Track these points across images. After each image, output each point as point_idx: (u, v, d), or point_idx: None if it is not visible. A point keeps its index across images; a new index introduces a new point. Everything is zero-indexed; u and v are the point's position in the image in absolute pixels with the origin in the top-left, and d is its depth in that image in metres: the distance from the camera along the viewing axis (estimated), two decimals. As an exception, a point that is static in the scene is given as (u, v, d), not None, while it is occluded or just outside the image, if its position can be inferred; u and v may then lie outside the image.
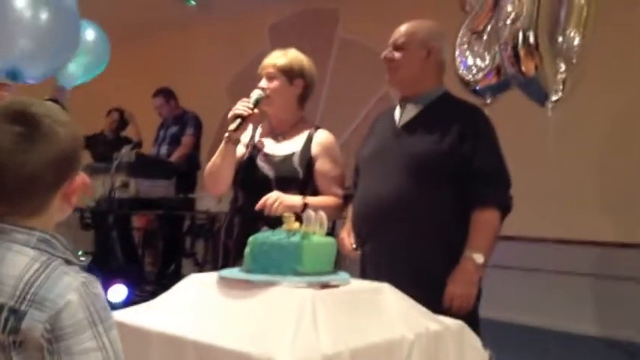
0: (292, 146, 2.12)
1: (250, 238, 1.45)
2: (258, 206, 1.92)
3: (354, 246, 1.99)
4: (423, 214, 1.84)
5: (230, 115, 1.98)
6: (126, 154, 4.29)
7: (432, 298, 1.59)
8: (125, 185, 4.26)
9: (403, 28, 1.98)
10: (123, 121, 5.54)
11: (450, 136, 1.86)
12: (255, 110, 2.00)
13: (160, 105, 5.10)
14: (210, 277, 1.47)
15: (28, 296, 0.89)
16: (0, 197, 0.94)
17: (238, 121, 1.97)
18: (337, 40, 5.09)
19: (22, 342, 0.88)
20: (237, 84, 5.71)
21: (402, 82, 1.98)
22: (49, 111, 0.97)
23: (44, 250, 0.94)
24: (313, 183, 2.10)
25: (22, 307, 0.88)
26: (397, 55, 1.95)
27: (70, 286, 0.90)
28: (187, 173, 4.94)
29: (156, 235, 5.09)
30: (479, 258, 1.78)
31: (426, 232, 1.84)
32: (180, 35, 6.14)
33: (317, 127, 2.19)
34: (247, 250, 1.44)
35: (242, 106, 1.99)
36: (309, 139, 2.14)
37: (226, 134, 2.01)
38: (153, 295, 1.55)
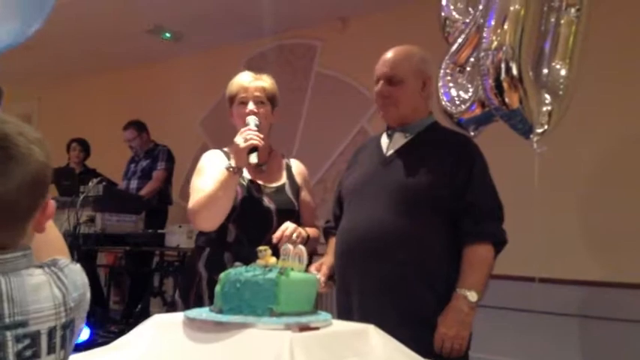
0: (278, 176, 2.03)
1: (222, 275, 1.31)
2: (275, 238, 1.79)
3: (322, 278, 1.84)
4: (412, 247, 1.73)
5: (244, 145, 1.83)
6: (93, 187, 4.13)
7: (422, 340, 1.47)
8: (91, 220, 4.09)
9: (393, 59, 1.86)
10: (85, 150, 5.42)
11: (442, 166, 1.77)
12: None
13: (132, 138, 4.97)
14: (175, 318, 1.32)
15: (72, 304, 0.96)
16: None
17: (256, 152, 1.85)
18: (314, 75, 5.05)
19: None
20: (212, 118, 5.61)
21: (401, 117, 1.87)
22: (21, 127, 0.93)
23: (38, 264, 0.96)
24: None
25: (72, 316, 0.95)
26: (393, 90, 1.83)
27: (78, 270, 1.00)
28: (158, 208, 4.79)
29: (122, 273, 4.88)
30: (472, 296, 1.66)
31: (416, 267, 1.72)
32: (154, 68, 6.05)
33: (283, 155, 2.12)
34: (218, 287, 1.31)
35: (255, 136, 1.85)
36: (289, 169, 2.07)
37: (231, 165, 1.85)
38: (118, 335, 1.41)
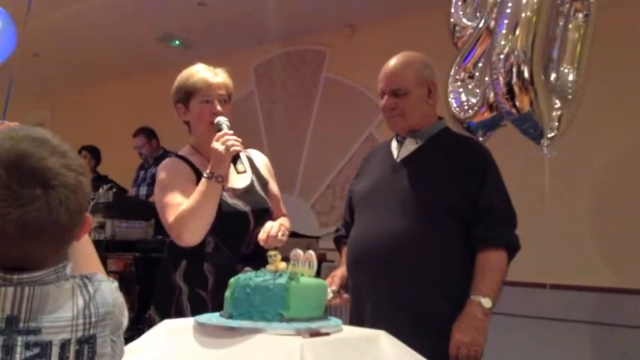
0: (243, 174, 1.86)
1: (232, 280, 1.31)
2: (262, 240, 1.73)
3: (333, 289, 1.82)
4: (424, 254, 1.71)
5: (226, 152, 1.73)
6: (103, 194, 4.15)
7: (436, 347, 1.45)
8: (101, 226, 4.11)
9: (395, 70, 1.84)
10: (96, 158, 5.44)
11: (454, 172, 1.76)
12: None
13: (141, 144, 4.99)
14: (185, 324, 1.32)
15: (93, 319, 0.92)
16: (38, 257, 0.90)
17: (240, 158, 1.76)
18: (323, 81, 5.06)
19: None
20: (221, 125, 5.62)
21: (410, 127, 1.85)
22: (67, 159, 0.90)
23: (71, 276, 0.94)
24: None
25: (91, 332, 0.91)
26: (400, 102, 1.81)
27: (111, 289, 0.97)
28: (167, 215, 4.79)
29: (132, 279, 4.89)
30: (487, 302, 1.65)
31: (428, 274, 1.71)
32: (164, 75, 6.06)
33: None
34: (228, 293, 1.30)
35: (235, 141, 1.76)
36: (251, 162, 1.97)
37: (215, 174, 1.74)
38: (127, 341, 1.40)
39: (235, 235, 1.81)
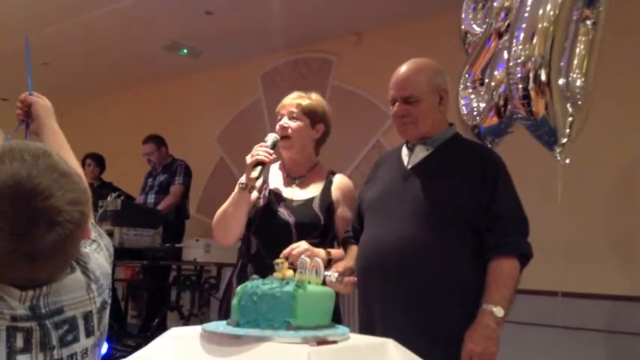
0: (311, 191, 2.02)
1: (238, 288, 1.30)
2: (283, 254, 1.76)
3: (339, 270, 1.79)
4: (435, 261, 1.69)
5: (250, 161, 1.89)
6: (111, 202, 4.16)
7: (447, 355, 1.43)
8: (109, 234, 4.10)
9: (407, 77, 1.82)
10: (100, 165, 5.46)
11: (465, 179, 1.73)
12: (274, 155, 1.94)
13: (151, 152, 5.01)
14: (192, 332, 1.31)
15: (102, 289, 1.07)
16: (48, 277, 0.98)
17: (259, 168, 1.88)
18: (329, 89, 5.06)
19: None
20: (228, 133, 5.64)
21: (421, 134, 1.84)
22: (70, 189, 0.94)
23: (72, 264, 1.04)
24: (333, 229, 2.01)
25: (103, 298, 1.07)
26: (412, 109, 1.80)
27: (99, 258, 1.12)
28: (175, 222, 4.81)
29: (140, 287, 4.89)
30: (499, 312, 1.63)
31: (440, 282, 1.68)
32: (171, 84, 6.12)
33: (333, 172, 2.12)
34: (235, 300, 1.29)
35: (262, 152, 1.90)
36: (329, 183, 2.06)
37: (241, 181, 1.93)
38: (135, 349, 1.41)
39: (275, 242, 1.87)
